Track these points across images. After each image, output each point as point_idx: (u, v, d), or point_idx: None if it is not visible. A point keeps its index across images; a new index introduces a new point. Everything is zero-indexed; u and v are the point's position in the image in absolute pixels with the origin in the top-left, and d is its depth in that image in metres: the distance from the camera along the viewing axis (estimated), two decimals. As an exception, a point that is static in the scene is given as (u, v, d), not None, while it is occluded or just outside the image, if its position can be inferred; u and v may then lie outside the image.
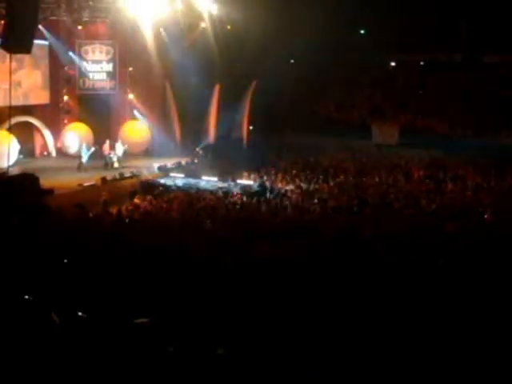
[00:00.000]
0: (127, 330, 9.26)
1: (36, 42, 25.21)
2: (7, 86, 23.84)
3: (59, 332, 8.58)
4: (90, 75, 34.74)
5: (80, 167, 29.51)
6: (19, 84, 31.96)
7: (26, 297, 9.59)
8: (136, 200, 24.08)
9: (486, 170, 26.89)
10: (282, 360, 9.47)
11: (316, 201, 22.65)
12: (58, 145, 33.86)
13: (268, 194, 24.32)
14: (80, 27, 33.17)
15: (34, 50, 24.91)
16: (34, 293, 10.31)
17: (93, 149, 30.76)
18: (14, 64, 28.20)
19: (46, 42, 32.55)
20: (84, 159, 29.98)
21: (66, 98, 34.41)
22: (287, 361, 9.48)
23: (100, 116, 33.87)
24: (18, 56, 28.16)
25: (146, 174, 28.89)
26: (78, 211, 21.35)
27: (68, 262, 14.11)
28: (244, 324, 10.96)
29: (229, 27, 34.78)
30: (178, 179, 27.61)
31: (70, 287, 12.45)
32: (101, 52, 34.68)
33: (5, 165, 25.33)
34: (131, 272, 13.71)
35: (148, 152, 34.37)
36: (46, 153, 33.60)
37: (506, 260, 14.62)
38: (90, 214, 21.21)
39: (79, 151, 30.73)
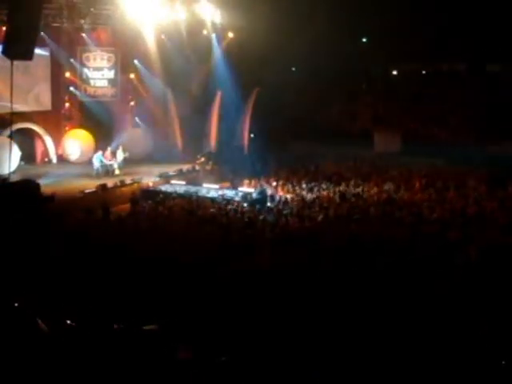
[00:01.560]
0: (136, 336, 9.24)
1: (37, 48, 25.18)
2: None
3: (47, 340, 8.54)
4: (92, 82, 34.76)
5: (94, 174, 29.66)
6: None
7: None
8: (137, 207, 24.06)
9: (489, 179, 26.82)
10: (283, 364, 9.45)
11: (317, 209, 22.60)
12: (59, 151, 33.82)
13: (269, 202, 24.26)
14: (82, 34, 33.16)
15: (36, 56, 24.87)
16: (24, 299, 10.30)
17: (106, 162, 30.59)
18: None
19: (47, 49, 32.53)
20: (95, 166, 29.99)
21: (67, 104, 34.35)
22: (288, 364, 9.45)
23: (101, 123, 33.82)
24: (20, 63, 28.15)
25: (146, 181, 28.83)
26: (78, 218, 21.34)
27: (67, 268, 14.10)
28: (244, 329, 10.94)
29: (231, 35, 34.81)
30: (179, 186, 27.53)
31: (68, 292, 12.42)
32: (102, 59, 34.70)
33: (6, 171, 25.28)
34: (130, 279, 13.68)
35: (149, 159, 34.31)
36: (46, 159, 33.53)
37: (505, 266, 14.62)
38: (91, 221, 21.23)
39: (92, 158, 30.71)
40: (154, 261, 15.10)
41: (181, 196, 25.62)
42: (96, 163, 30.06)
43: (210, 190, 26.61)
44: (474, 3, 35.02)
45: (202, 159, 33.12)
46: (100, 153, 30.60)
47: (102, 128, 33.81)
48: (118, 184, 27.84)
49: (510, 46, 34.18)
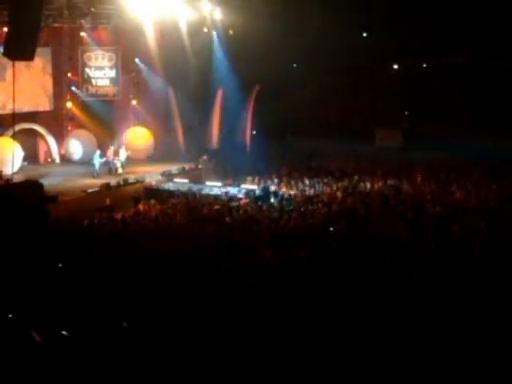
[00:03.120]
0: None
1: (39, 48, 25.24)
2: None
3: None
4: (93, 81, 34.86)
5: (94, 174, 29.63)
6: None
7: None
8: (140, 206, 24.10)
9: (490, 173, 26.83)
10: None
11: (320, 205, 22.63)
12: (62, 151, 33.89)
13: (271, 199, 24.31)
14: (82, 33, 33.21)
15: (37, 56, 24.90)
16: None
17: (104, 159, 30.64)
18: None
19: (48, 49, 32.60)
20: (97, 166, 30.01)
21: (69, 104, 34.43)
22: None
23: (103, 122, 33.93)
24: (22, 63, 28.15)
25: (149, 180, 28.90)
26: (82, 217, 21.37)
27: (66, 270, 14.14)
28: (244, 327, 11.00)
29: (231, 32, 34.81)
30: (182, 184, 27.57)
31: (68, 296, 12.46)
32: (103, 58, 34.79)
33: (9, 172, 25.34)
34: (133, 279, 13.73)
35: (151, 157, 34.38)
36: (49, 159, 33.62)
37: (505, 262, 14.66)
38: (95, 221, 21.27)
39: (92, 158, 30.67)
40: (157, 260, 15.15)
41: (184, 194, 25.66)
42: (96, 163, 30.05)
43: (213, 187, 26.66)
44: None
45: (205, 157, 33.17)
46: (98, 152, 30.63)
47: (104, 127, 33.91)
48: (121, 183, 27.91)
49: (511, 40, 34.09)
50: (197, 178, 28.90)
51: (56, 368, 8.22)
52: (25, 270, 13.75)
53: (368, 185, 26.17)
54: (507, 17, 33.60)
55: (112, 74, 35.19)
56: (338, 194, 24.68)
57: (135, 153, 32.85)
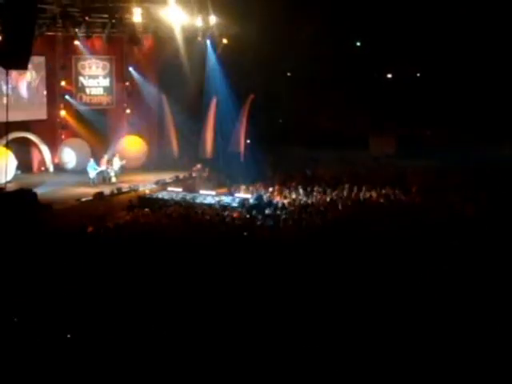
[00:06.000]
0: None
1: (32, 57, 25.23)
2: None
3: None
4: (87, 90, 34.83)
5: (91, 183, 29.57)
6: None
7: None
8: (134, 214, 24.02)
9: (486, 181, 26.85)
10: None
11: (314, 214, 22.59)
12: (56, 160, 33.79)
13: (265, 208, 24.24)
14: (76, 42, 33.17)
15: (31, 65, 24.90)
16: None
17: (101, 168, 30.56)
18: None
19: (42, 58, 32.56)
20: (91, 175, 29.91)
21: (63, 113, 34.35)
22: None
23: (97, 131, 33.87)
24: (15, 72, 28.13)
25: (143, 189, 28.84)
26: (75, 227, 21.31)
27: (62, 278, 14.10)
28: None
29: (225, 40, 34.83)
30: (176, 193, 27.51)
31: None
32: (97, 67, 34.79)
33: (2, 181, 25.26)
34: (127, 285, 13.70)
35: (145, 166, 34.32)
36: (43, 168, 33.52)
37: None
38: (90, 229, 21.20)
39: (87, 167, 30.57)
40: (150, 268, 15.12)
41: (178, 203, 25.60)
42: (91, 172, 30.01)
43: (207, 196, 26.60)
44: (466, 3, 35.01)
45: (199, 166, 33.12)
46: (92, 161, 30.56)
47: (97, 136, 33.84)
48: (115, 192, 27.84)
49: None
50: (191, 187, 28.86)
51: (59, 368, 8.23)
52: (20, 276, 13.74)
53: (362, 193, 26.15)
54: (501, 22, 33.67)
55: (106, 82, 35.18)
56: (333, 202, 24.64)
57: (129, 161, 32.77)
